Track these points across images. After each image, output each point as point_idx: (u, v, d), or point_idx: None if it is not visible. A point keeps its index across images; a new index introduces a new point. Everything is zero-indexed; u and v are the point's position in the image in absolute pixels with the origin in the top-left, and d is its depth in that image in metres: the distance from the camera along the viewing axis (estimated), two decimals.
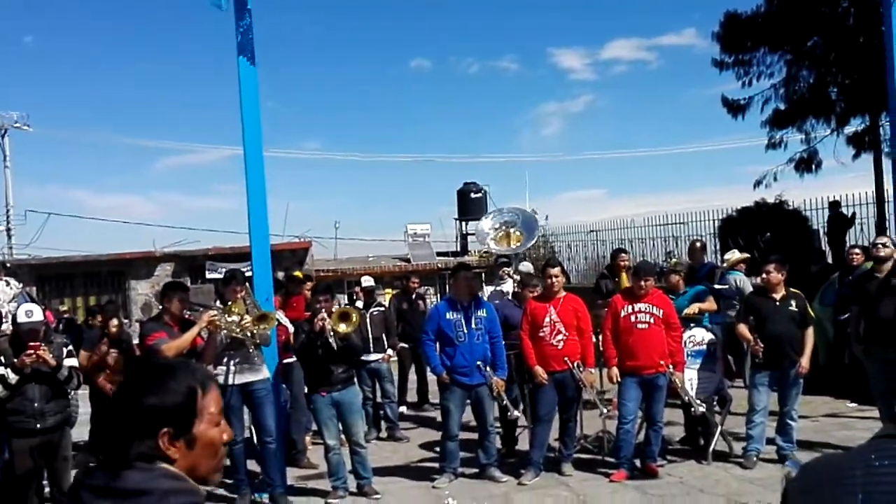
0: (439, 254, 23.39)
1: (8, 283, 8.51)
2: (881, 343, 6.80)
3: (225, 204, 56.16)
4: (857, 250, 9.39)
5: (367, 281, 9.99)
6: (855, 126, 17.23)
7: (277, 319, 7.05)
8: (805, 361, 6.88)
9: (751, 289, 8.42)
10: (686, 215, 17.88)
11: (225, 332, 6.37)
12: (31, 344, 5.74)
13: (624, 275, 9.21)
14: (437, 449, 7.43)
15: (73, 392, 6.38)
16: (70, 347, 6.22)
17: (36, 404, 5.84)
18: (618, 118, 56.29)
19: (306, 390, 7.22)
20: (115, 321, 8.01)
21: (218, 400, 1.68)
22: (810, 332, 7.03)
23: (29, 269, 20.05)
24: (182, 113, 51.39)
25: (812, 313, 7.34)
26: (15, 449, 5.90)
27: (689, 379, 7.19)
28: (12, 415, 5.85)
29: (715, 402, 7.54)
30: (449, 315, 7.07)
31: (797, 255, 11.78)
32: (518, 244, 9.23)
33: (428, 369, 8.57)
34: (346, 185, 54.26)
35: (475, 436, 7.26)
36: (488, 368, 6.99)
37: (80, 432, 7.13)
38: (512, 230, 9.21)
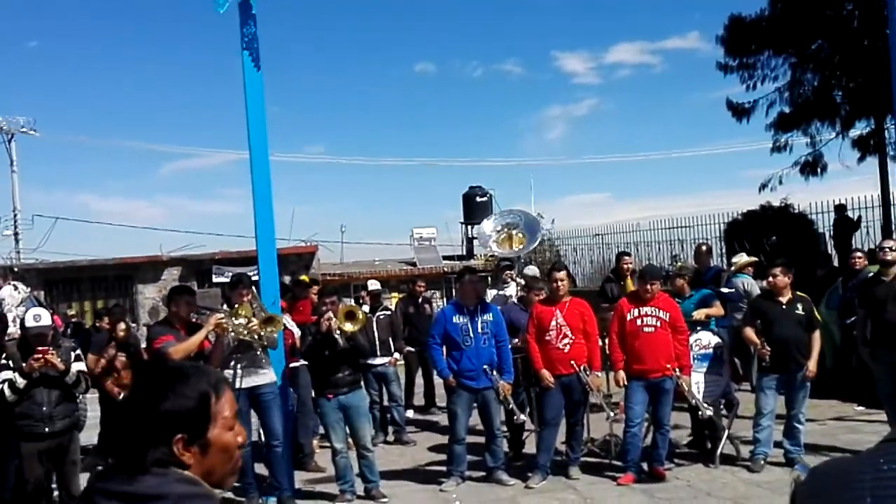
0: (445, 258, 23.37)
1: (16, 288, 8.56)
2: (888, 346, 6.79)
3: (230, 208, 56.24)
4: (859, 254, 9.38)
5: (374, 285, 9.98)
6: (860, 129, 17.21)
7: (284, 323, 7.08)
8: (812, 365, 6.87)
9: (758, 292, 8.41)
10: (691, 219, 17.88)
11: (232, 334, 6.39)
12: (40, 348, 5.76)
13: (628, 278, 9.21)
14: (445, 452, 7.44)
15: (81, 396, 6.42)
16: (78, 351, 6.24)
17: (44, 408, 5.86)
18: (622, 122, 56.15)
19: (313, 394, 7.23)
20: (122, 325, 8.06)
21: (232, 403, 1.67)
22: (817, 335, 7.02)
23: (36, 274, 20.15)
24: (185, 117, 51.46)
25: (819, 317, 7.33)
26: (24, 453, 5.91)
27: (696, 382, 7.18)
28: (21, 419, 5.86)
29: (722, 406, 7.52)
30: (455, 319, 7.08)
31: (803, 259, 11.77)
32: (520, 246, 9.19)
33: (435, 373, 8.58)
34: (352, 189, 54.09)
35: (482, 439, 7.26)
36: (495, 372, 7.00)
37: (89, 436, 7.14)
38: (514, 232, 9.18)
